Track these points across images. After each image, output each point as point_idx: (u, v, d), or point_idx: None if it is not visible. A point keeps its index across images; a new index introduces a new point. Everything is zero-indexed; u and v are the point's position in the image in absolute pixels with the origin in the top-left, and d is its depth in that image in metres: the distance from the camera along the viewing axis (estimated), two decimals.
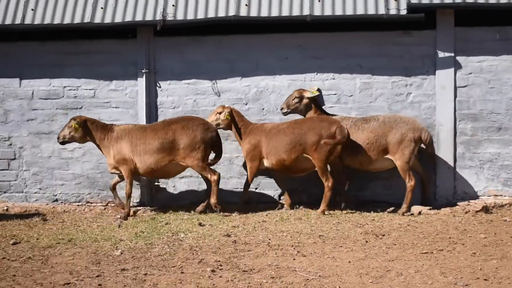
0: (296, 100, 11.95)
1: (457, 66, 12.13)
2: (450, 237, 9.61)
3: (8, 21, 12.64)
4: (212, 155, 11.93)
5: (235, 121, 12.04)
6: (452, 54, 12.11)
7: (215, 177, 11.64)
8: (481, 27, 12.18)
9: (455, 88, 12.14)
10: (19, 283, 7.74)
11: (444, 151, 12.16)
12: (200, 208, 11.79)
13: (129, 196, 11.87)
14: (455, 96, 12.15)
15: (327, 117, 11.92)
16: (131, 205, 11.95)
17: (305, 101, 11.98)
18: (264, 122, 12.30)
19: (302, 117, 12.10)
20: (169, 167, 11.82)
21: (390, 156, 11.56)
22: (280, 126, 11.89)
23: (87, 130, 11.90)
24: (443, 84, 12.16)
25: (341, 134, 11.40)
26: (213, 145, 11.85)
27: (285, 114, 12.10)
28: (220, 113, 11.99)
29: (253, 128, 12.02)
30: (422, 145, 11.63)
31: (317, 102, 12.09)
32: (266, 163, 11.86)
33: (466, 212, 11.49)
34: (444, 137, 12.15)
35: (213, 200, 11.65)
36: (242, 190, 12.17)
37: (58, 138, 12.06)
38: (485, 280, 7.60)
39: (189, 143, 11.59)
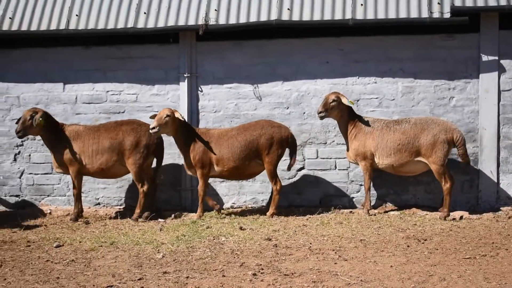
0: (334, 103, 11.55)
1: (501, 70, 12.00)
2: (493, 242, 9.50)
3: (53, 27, 12.80)
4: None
5: (183, 125, 11.82)
6: (496, 58, 11.98)
7: (144, 188, 11.80)
8: None
9: (499, 91, 12.01)
10: (63, 285, 7.82)
11: (487, 156, 12.03)
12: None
13: (78, 196, 12.04)
14: (499, 100, 12.02)
15: (277, 122, 11.98)
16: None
17: (342, 104, 11.57)
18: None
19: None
20: (117, 168, 12.02)
21: (422, 159, 11.43)
22: (230, 132, 11.89)
23: (48, 124, 11.94)
24: (487, 87, 12.03)
25: (292, 139, 11.84)
26: (156, 154, 12.12)
27: (322, 118, 11.68)
28: (168, 116, 11.51)
29: (200, 134, 11.90)
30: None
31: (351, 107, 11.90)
32: (216, 169, 11.83)
33: (509, 217, 11.36)
34: (487, 141, 12.02)
35: (137, 210, 11.84)
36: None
37: (18, 132, 11.76)
38: None
39: (134, 146, 11.77)
